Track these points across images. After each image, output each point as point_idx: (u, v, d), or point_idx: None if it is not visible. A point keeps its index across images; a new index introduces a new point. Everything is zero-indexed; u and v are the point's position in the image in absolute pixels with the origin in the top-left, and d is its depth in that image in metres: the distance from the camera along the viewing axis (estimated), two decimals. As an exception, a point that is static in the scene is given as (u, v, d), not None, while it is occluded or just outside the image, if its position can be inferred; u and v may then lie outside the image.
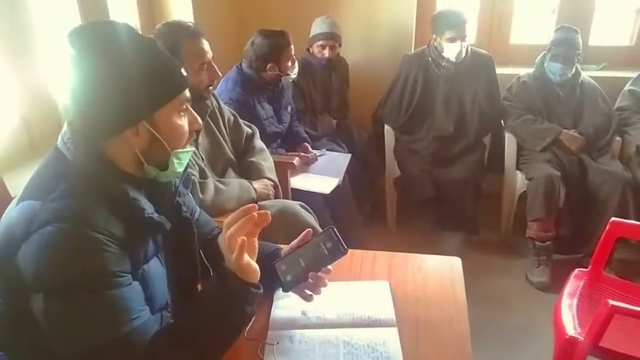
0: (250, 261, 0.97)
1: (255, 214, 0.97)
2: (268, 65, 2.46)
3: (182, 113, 1.03)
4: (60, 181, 0.93)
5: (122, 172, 0.99)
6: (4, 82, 1.76)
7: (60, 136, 1.00)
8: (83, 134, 0.98)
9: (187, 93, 1.03)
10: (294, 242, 1.15)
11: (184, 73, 1.03)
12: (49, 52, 1.87)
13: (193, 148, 1.09)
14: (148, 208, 0.99)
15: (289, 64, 2.50)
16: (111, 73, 0.94)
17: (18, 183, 1.00)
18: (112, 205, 0.93)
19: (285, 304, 1.19)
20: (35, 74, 1.85)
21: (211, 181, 1.91)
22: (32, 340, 0.93)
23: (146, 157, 0.99)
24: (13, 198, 1.01)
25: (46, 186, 0.93)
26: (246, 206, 0.99)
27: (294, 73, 2.54)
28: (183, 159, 1.06)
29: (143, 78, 0.95)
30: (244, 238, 0.94)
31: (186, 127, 1.04)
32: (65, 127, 1.01)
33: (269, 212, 1.00)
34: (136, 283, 0.96)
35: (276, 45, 2.44)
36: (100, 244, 0.88)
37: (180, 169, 1.06)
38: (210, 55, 1.86)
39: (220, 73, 1.92)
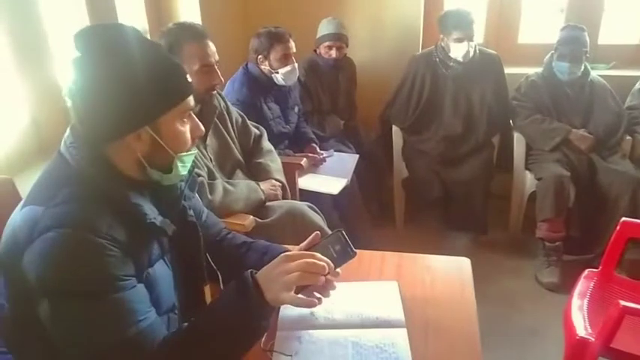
0: None
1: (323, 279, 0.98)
2: (259, 57, 2.45)
3: (185, 120, 1.02)
4: (62, 186, 0.93)
5: (125, 176, 0.98)
6: (14, 83, 1.78)
7: (63, 141, 0.99)
8: (85, 138, 0.97)
9: (192, 100, 1.02)
10: (303, 245, 1.14)
11: (189, 80, 1.02)
12: (59, 54, 1.89)
13: (196, 151, 1.11)
14: (151, 212, 0.98)
15: (280, 62, 2.44)
16: (114, 77, 0.93)
17: (28, 184, 1.00)
18: (114, 209, 0.93)
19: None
20: (45, 76, 1.87)
21: (220, 182, 1.91)
22: (40, 342, 0.93)
23: (149, 161, 0.99)
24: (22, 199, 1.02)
25: (49, 191, 0.93)
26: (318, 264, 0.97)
27: (282, 75, 2.45)
28: (186, 162, 1.06)
29: (148, 83, 0.94)
30: (315, 301, 0.98)
31: (188, 134, 1.03)
32: (68, 132, 1.00)
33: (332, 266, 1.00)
34: (141, 286, 0.95)
35: (267, 38, 2.43)
36: (102, 249, 0.88)
37: (184, 172, 1.06)
38: (213, 58, 1.83)
39: (222, 79, 1.88)
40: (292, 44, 2.48)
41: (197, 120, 1.06)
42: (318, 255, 0.98)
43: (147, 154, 0.98)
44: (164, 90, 0.97)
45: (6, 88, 1.75)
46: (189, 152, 1.06)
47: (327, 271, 0.97)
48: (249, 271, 0.96)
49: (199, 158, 1.88)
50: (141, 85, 0.93)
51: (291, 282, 0.93)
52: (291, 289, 0.93)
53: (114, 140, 0.96)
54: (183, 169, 1.05)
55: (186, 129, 1.02)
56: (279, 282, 0.93)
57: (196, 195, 1.22)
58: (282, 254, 0.98)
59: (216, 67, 1.85)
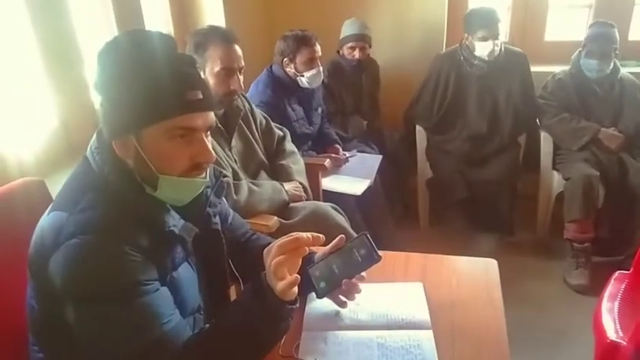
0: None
1: (307, 249, 0.95)
2: (284, 60, 2.46)
3: (179, 139, 0.95)
4: (86, 191, 0.95)
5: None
6: (43, 86, 1.81)
7: (89, 145, 1.01)
8: (103, 140, 0.99)
9: (192, 120, 0.95)
10: (327, 247, 1.14)
11: (193, 97, 0.94)
12: (88, 57, 1.92)
13: (206, 180, 1.03)
14: (171, 220, 0.99)
15: (306, 66, 2.45)
16: (114, 78, 0.94)
17: (58, 186, 1.03)
18: (135, 216, 0.95)
19: (319, 305, 1.19)
20: (74, 78, 1.90)
21: (245, 183, 1.93)
22: (69, 343, 0.95)
23: (138, 173, 0.98)
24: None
25: (73, 196, 0.95)
26: (301, 237, 0.95)
27: (307, 78, 2.46)
28: (181, 189, 1.00)
29: (137, 91, 0.92)
30: (298, 276, 0.92)
31: (178, 155, 0.96)
32: (94, 136, 1.02)
33: (322, 237, 0.98)
34: (164, 289, 0.96)
35: (294, 41, 2.44)
36: (125, 255, 0.90)
37: (177, 197, 1.00)
38: (237, 63, 1.83)
39: (242, 86, 1.89)
40: (318, 48, 2.49)
41: (207, 145, 0.98)
42: (294, 234, 0.96)
43: (135, 166, 0.97)
44: (151, 101, 0.92)
45: (36, 91, 1.79)
46: (190, 178, 0.99)
47: (307, 239, 0.95)
48: (265, 272, 0.95)
49: (224, 159, 1.90)
50: (132, 92, 0.93)
51: (271, 271, 0.92)
52: (279, 277, 0.91)
53: (114, 140, 0.97)
54: (175, 193, 0.99)
55: (172, 149, 0.95)
56: (269, 276, 0.93)
57: (223, 199, 1.22)
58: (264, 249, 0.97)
59: (238, 73, 1.85)
